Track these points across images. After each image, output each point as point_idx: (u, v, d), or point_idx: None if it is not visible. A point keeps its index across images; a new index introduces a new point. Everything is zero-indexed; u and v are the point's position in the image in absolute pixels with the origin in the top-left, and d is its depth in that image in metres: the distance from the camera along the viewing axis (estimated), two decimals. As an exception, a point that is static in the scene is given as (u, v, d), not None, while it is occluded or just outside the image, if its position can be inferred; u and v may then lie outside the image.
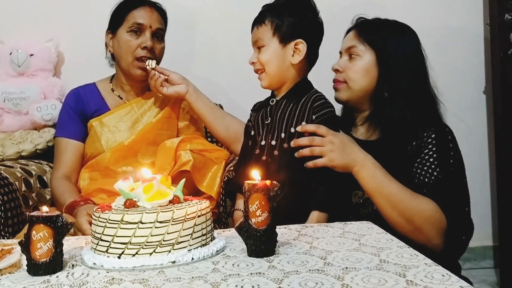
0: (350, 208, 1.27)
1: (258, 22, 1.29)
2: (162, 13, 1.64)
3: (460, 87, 2.19)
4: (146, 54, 1.56)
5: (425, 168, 1.15)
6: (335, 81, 1.36)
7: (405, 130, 1.22)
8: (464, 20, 2.22)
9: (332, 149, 1.15)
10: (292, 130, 1.24)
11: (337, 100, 1.36)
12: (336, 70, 1.35)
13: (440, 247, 1.06)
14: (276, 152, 1.25)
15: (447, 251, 0.98)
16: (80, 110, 1.65)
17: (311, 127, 1.18)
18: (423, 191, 1.13)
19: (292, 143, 1.20)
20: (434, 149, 1.16)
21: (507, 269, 2.07)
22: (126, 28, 1.58)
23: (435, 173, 1.13)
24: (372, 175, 1.14)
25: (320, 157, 1.16)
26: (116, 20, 1.61)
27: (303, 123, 1.23)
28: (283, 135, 1.25)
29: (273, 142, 1.26)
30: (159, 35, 1.61)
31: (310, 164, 1.16)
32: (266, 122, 1.30)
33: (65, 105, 1.67)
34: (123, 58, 1.59)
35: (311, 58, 1.31)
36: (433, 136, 1.19)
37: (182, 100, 1.65)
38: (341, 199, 1.25)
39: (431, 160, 1.15)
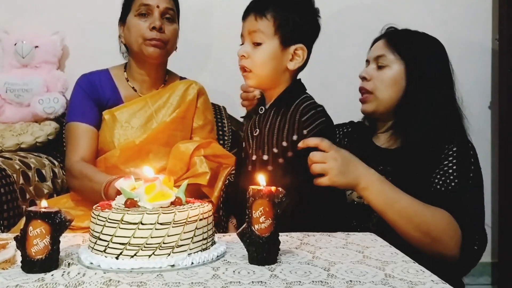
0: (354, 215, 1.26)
1: (258, 12, 1.15)
2: None
3: (465, 101, 2.17)
4: (155, 36, 1.48)
5: (443, 178, 1.14)
6: (362, 90, 1.35)
7: (428, 141, 1.21)
8: (473, 34, 2.21)
9: (333, 166, 1.07)
10: (284, 144, 1.16)
11: (363, 112, 1.37)
12: (363, 78, 1.34)
13: (456, 258, 1.04)
14: (270, 168, 1.17)
15: (462, 262, 0.98)
16: (95, 96, 1.55)
17: (313, 142, 1.09)
18: (438, 199, 1.11)
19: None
20: (454, 161, 1.16)
21: (505, 287, 2.05)
22: (134, 13, 1.51)
23: (452, 184, 1.13)
24: (379, 192, 1.09)
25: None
26: (125, 9, 1.56)
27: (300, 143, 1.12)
28: (275, 150, 1.17)
29: (265, 157, 1.18)
30: (169, 15, 1.53)
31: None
32: (255, 135, 1.22)
33: (78, 89, 1.56)
34: (133, 43, 1.51)
35: (305, 62, 1.22)
36: (454, 149, 1.19)
37: (198, 99, 1.62)
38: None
39: (450, 171, 1.15)
